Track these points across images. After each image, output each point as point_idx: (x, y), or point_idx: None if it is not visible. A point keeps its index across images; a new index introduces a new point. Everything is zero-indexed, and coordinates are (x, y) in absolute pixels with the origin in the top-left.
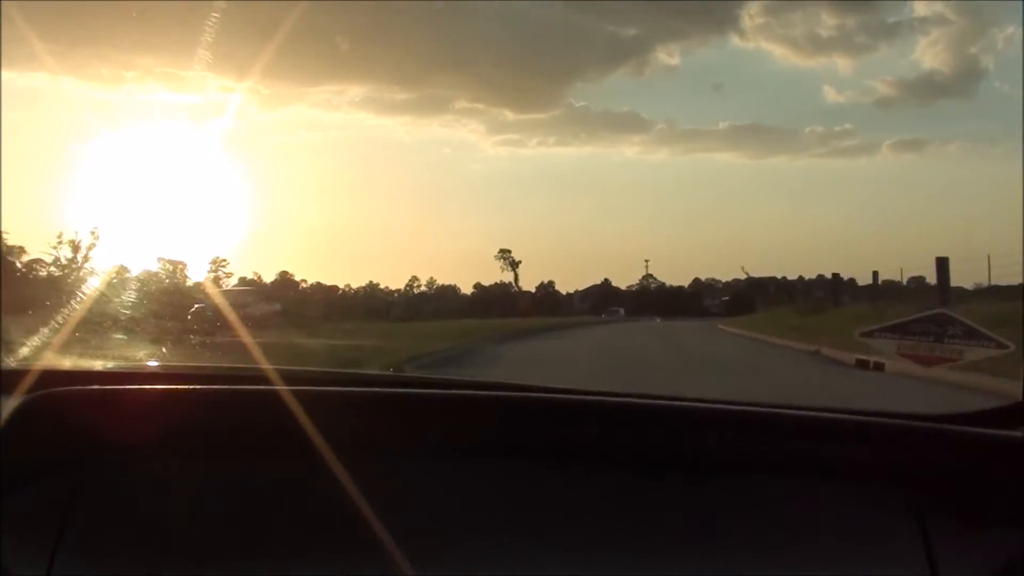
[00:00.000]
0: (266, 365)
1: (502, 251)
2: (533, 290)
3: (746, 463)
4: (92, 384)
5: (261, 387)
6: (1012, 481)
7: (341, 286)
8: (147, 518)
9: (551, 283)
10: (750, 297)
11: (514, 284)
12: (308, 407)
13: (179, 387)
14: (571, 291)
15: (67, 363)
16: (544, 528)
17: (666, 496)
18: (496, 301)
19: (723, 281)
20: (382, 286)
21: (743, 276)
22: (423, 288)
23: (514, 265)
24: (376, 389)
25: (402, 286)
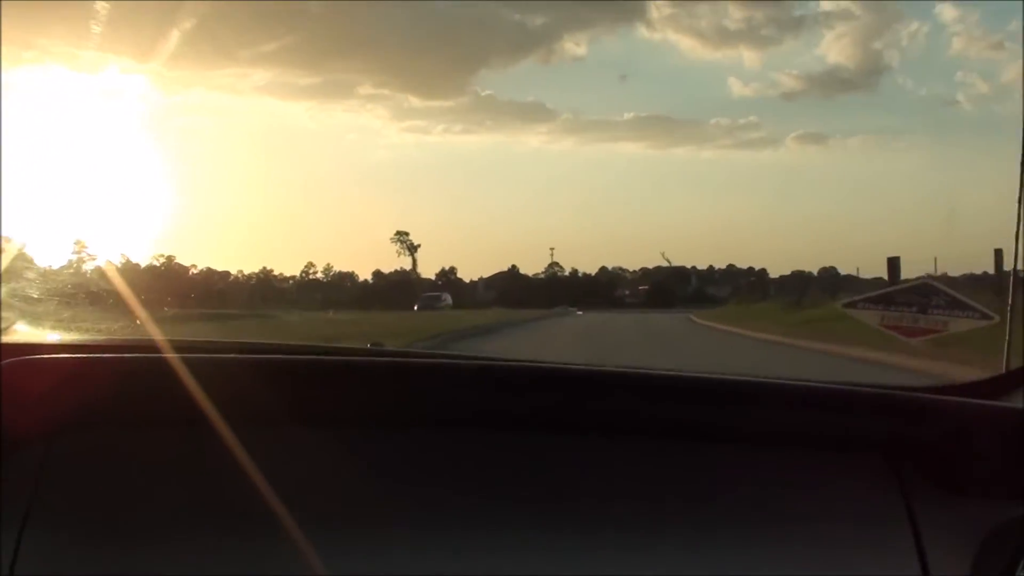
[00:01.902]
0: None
1: (399, 233)
2: (433, 276)
3: (728, 433)
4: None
5: (234, 356)
6: (996, 450)
7: (233, 272)
8: (117, 492)
9: (453, 269)
10: (670, 287)
11: (413, 270)
12: (285, 378)
13: (151, 355)
14: (475, 278)
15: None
16: (433, 500)
17: (623, 468)
18: (393, 288)
19: (630, 270)
20: (276, 272)
21: (651, 267)
22: (319, 275)
23: (412, 249)
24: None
25: (298, 272)
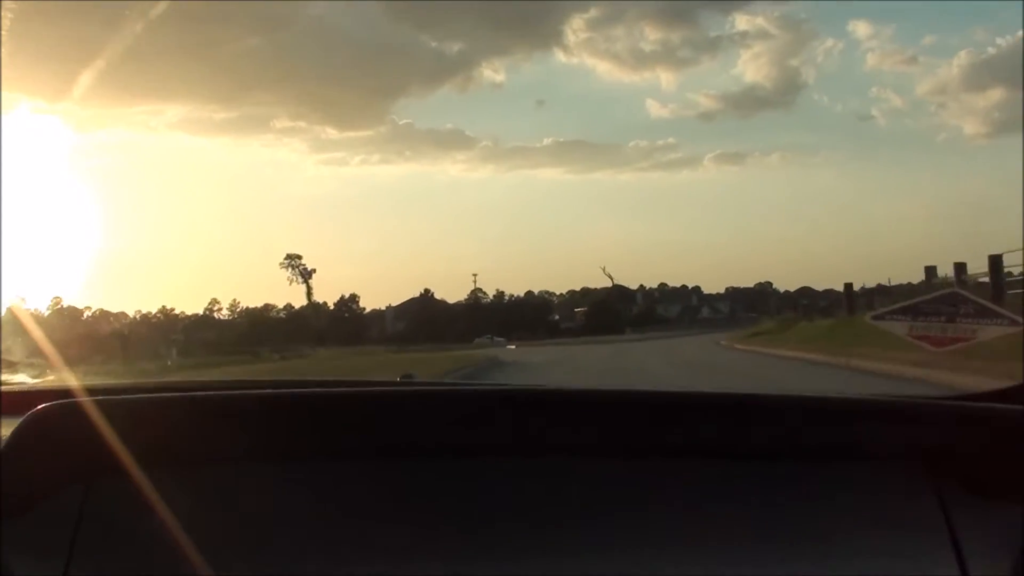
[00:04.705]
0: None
1: (289, 257)
2: (332, 305)
3: (772, 448)
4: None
5: (277, 391)
6: None
7: (131, 313)
8: (157, 532)
9: (354, 297)
10: (612, 308)
11: (308, 299)
12: (320, 411)
13: (186, 394)
14: (382, 307)
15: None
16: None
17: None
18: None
19: (558, 293)
20: (177, 311)
21: (578, 288)
22: (224, 312)
23: (306, 275)
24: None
25: (200, 310)
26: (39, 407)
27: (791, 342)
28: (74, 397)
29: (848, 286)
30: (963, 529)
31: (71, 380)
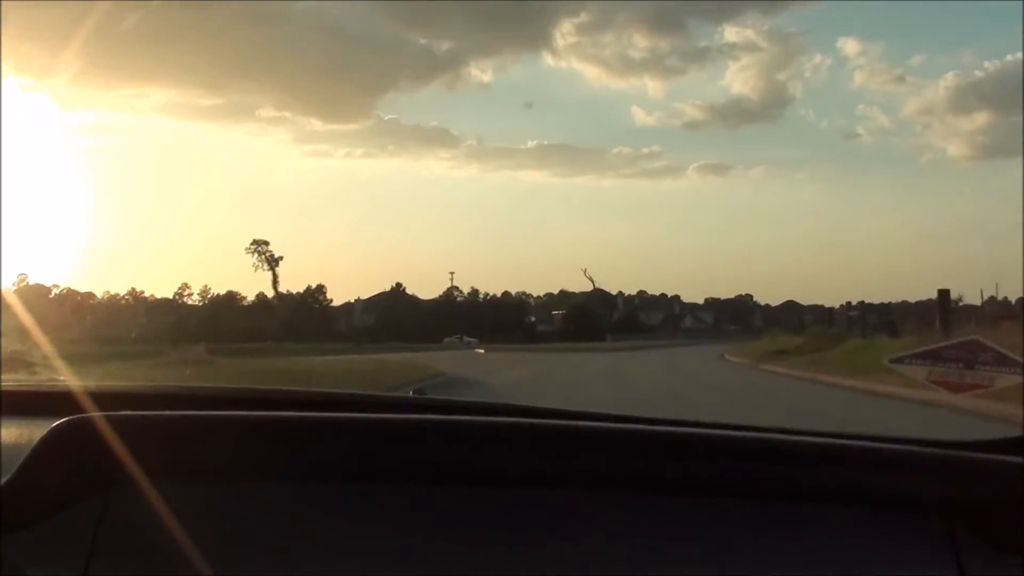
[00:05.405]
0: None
1: (256, 243)
2: (299, 292)
3: (786, 492)
4: (115, 406)
5: (296, 413)
6: None
7: (99, 293)
8: (172, 544)
9: (321, 288)
10: (591, 312)
11: (273, 287)
12: (343, 433)
13: (213, 412)
14: (352, 299)
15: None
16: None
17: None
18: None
19: (536, 295)
20: (147, 294)
21: (556, 292)
22: (194, 297)
23: (272, 262)
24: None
25: (170, 294)
26: (61, 421)
27: (845, 367)
28: (75, 399)
29: (944, 294)
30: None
31: (72, 380)
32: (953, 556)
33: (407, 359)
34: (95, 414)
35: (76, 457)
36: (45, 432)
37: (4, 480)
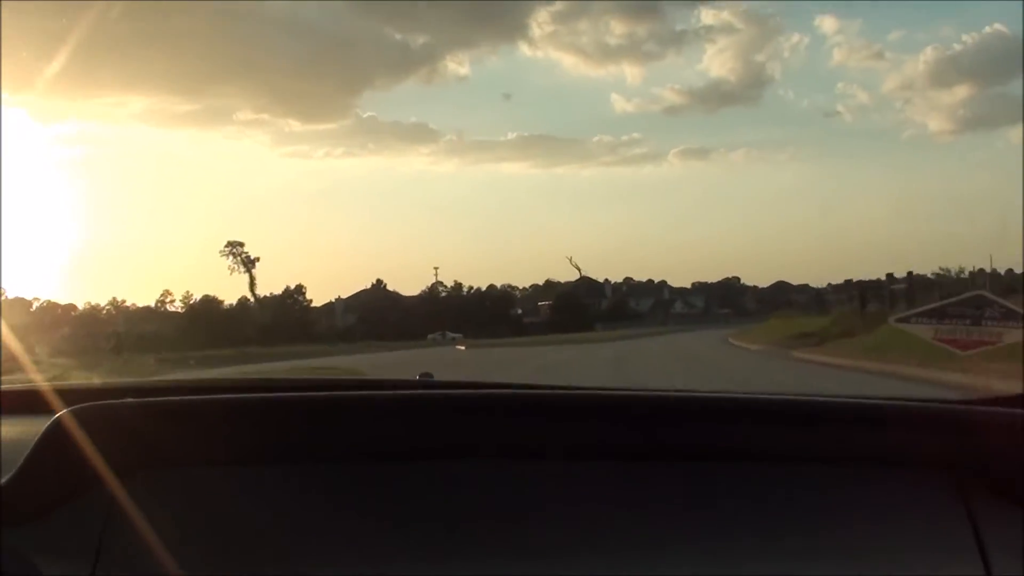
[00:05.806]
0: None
1: (231, 244)
2: (278, 294)
3: (798, 453)
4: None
5: (302, 394)
6: None
7: (80, 305)
8: (184, 532)
9: (300, 288)
10: (579, 302)
11: (250, 289)
12: (351, 412)
13: (218, 396)
14: (332, 298)
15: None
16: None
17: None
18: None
19: (520, 287)
20: (128, 303)
21: (541, 283)
22: (177, 304)
23: (248, 264)
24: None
25: (152, 302)
26: (68, 409)
27: (913, 354)
28: (77, 397)
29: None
30: (990, 536)
31: (70, 380)
32: (964, 509)
33: (338, 363)
34: (95, 404)
35: (84, 446)
36: (48, 423)
37: (8, 476)
